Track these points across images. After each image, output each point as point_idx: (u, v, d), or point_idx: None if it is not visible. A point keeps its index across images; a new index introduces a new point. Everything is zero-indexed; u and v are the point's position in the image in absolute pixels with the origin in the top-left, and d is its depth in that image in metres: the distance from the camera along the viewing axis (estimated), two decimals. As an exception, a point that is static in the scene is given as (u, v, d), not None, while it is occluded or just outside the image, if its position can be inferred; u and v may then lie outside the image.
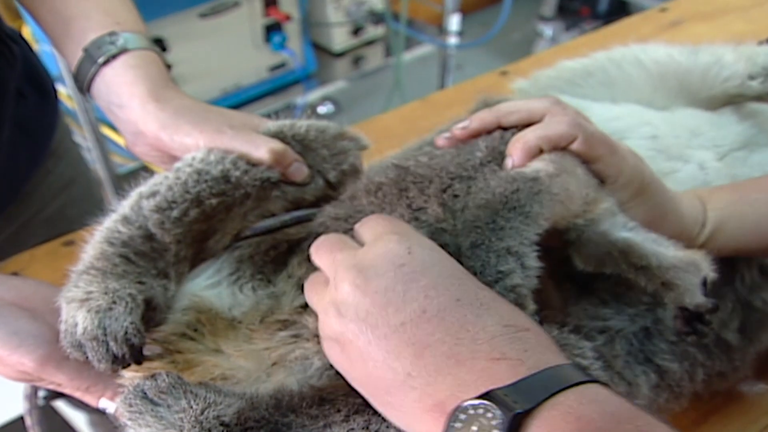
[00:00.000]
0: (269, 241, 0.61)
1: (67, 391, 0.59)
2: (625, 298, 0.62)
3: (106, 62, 0.72)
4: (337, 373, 0.49)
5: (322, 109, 2.48)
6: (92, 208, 0.62)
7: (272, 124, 0.67)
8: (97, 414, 1.46)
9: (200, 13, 2.05)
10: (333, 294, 0.48)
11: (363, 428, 0.46)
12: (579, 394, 0.38)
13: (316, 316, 0.51)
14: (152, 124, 0.68)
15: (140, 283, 0.56)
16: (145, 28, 0.78)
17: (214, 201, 0.59)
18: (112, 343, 0.52)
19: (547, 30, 3.31)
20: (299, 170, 0.65)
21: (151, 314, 0.56)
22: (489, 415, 0.38)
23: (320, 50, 2.43)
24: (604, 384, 0.40)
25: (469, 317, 0.43)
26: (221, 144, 0.63)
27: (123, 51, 0.72)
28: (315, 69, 2.37)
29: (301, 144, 0.66)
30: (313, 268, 0.54)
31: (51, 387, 0.60)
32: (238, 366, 0.53)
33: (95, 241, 0.59)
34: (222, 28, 2.11)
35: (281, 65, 2.30)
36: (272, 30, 2.21)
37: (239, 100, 2.25)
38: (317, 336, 0.51)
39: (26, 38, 1.00)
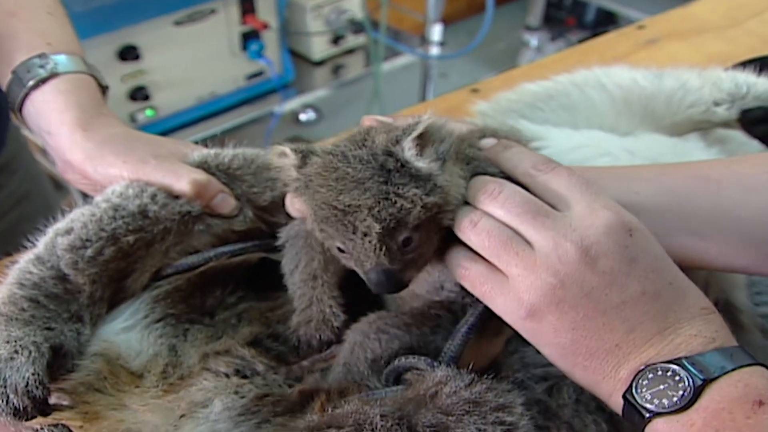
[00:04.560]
0: (185, 277, 0.58)
1: None
2: None
3: (35, 86, 0.70)
4: (241, 414, 0.48)
5: (303, 117, 2.44)
6: (49, 223, 0.60)
7: (197, 154, 0.64)
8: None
9: (175, 21, 2.01)
10: (551, 263, 0.48)
11: None
12: (751, 370, 0.45)
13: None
14: (78, 154, 0.66)
15: (48, 329, 0.53)
16: (79, 48, 0.74)
17: (131, 238, 0.56)
18: (12, 396, 0.49)
19: (533, 40, 3.28)
20: (225, 202, 0.61)
21: (61, 361, 0.53)
22: (677, 377, 0.45)
23: (299, 58, 2.39)
24: None
25: (677, 299, 0.49)
26: (144, 175, 0.61)
27: (53, 75, 0.69)
28: (293, 78, 2.33)
29: (225, 173, 0.63)
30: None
31: None
32: (144, 421, 0.50)
33: (7, 281, 0.56)
34: (197, 35, 2.06)
35: (258, 74, 2.25)
36: (249, 38, 2.17)
37: (215, 109, 2.21)
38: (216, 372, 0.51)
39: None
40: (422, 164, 0.50)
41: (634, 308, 0.48)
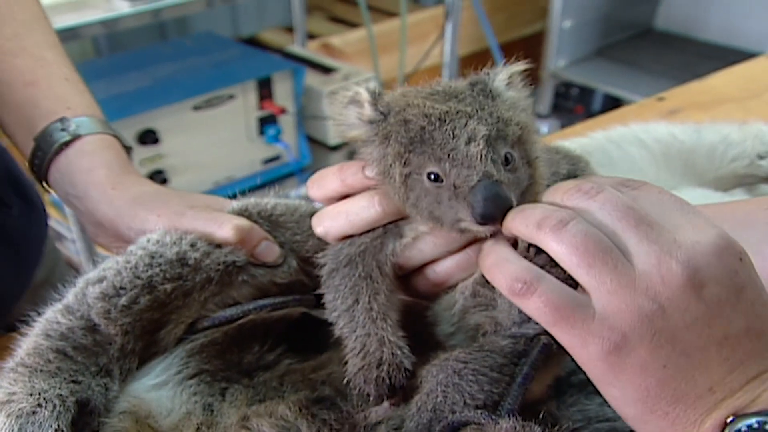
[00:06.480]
0: (221, 330, 0.54)
1: None
2: None
3: (59, 150, 0.68)
4: None
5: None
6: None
7: (236, 203, 0.62)
8: None
9: (194, 106, 2.04)
10: (653, 284, 0.41)
11: None
12: None
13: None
14: (109, 213, 0.63)
15: (75, 382, 0.49)
16: (98, 111, 0.73)
17: (168, 286, 0.52)
18: None
19: (543, 127, 3.32)
20: (269, 249, 0.58)
21: (86, 419, 0.48)
22: None
23: (315, 143, 2.42)
24: None
25: None
26: (182, 226, 0.57)
27: (76, 137, 0.68)
28: (309, 162, 2.35)
29: (268, 221, 0.60)
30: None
31: None
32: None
33: (33, 333, 0.52)
34: (215, 120, 2.09)
35: (275, 158, 2.27)
36: (267, 123, 2.20)
37: (231, 193, 2.20)
38: None
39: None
40: (511, 93, 0.49)
41: (736, 346, 0.41)
